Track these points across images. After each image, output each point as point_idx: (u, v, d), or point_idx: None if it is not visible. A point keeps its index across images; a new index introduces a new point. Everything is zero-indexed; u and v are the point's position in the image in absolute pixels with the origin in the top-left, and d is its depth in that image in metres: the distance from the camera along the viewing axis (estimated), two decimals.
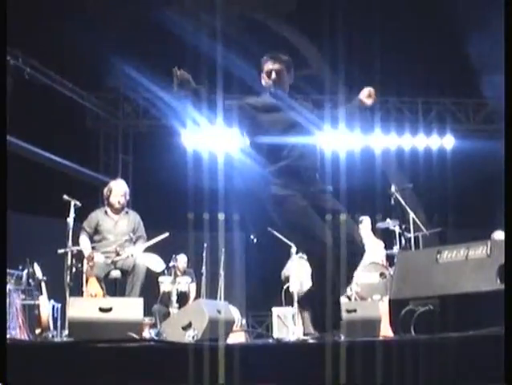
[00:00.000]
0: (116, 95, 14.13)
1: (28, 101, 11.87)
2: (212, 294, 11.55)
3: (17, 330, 9.27)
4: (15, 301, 9.56)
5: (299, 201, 5.21)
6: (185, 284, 10.87)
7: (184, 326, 7.11)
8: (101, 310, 6.69)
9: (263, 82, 5.70)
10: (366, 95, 5.82)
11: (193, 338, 6.96)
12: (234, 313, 9.79)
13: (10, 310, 9.45)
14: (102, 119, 14.35)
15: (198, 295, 11.51)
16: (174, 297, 9.98)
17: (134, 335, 6.38)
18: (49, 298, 9.23)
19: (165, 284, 10.51)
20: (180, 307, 10.15)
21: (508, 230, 3.66)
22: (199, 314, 7.13)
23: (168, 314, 9.93)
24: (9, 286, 9.58)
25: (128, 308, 6.78)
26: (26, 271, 9.86)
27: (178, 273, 11.01)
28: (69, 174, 12.86)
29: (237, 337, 9.64)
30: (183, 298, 10.70)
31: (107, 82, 13.53)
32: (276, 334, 10.59)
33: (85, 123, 14.07)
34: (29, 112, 11.86)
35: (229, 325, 7.74)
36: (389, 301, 5.99)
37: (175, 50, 12.11)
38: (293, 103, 5.65)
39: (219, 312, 7.49)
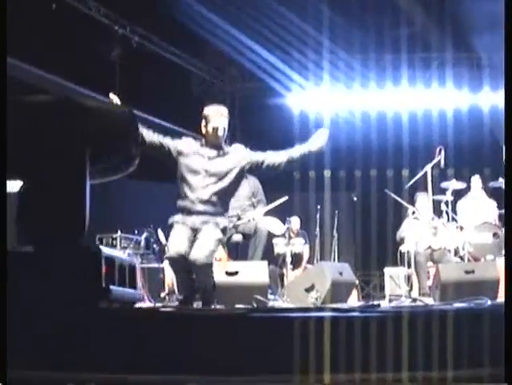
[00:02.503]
0: (221, 58, 14.20)
1: (136, 68, 12.09)
2: (326, 256, 11.67)
3: None
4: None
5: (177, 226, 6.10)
6: (299, 245, 10.96)
7: (307, 288, 7.23)
8: (227, 273, 6.87)
9: (204, 132, 6.20)
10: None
11: (316, 299, 7.08)
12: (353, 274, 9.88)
13: None
14: (207, 83, 14.50)
15: (312, 257, 11.62)
16: (288, 259, 10.08)
17: (260, 298, 6.54)
18: None
19: (279, 246, 10.59)
20: (294, 268, 10.30)
21: (508, 227, 3.61)
22: (322, 276, 7.24)
23: (282, 276, 10.08)
24: (128, 251, 9.88)
25: (254, 271, 6.95)
26: (144, 236, 10.14)
27: (292, 234, 11.08)
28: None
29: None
30: (297, 260, 10.82)
31: (211, 46, 13.60)
32: (388, 292, 10.67)
33: (191, 88, 14.22)
34: (137, 79, 12.08)
35: (350, 286, 7.85)
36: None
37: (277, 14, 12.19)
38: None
39: (341, 274, 7.59)
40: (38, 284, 3.14)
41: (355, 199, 12.59)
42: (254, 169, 6.18)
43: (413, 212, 9.56)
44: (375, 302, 6.12)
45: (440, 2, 12.71)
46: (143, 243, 10.12)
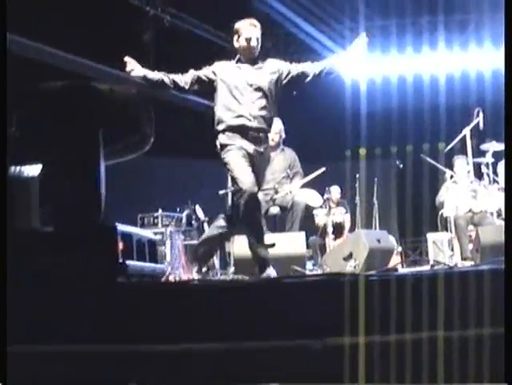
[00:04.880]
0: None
1: (171, 48, 12.12)
2: (367, 224, 11.65)
3: (180, 270, 9.66)
4: (177, 242, 9.95)
5: (235, 151, 5.83)
6: (340, 215, 10.95)
7: (345, 256, 7.25)
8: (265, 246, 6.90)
9: (238, 46, 6.09)
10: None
11: (355, 267, 7.10)
12: (392, 241, 9.86)
13: (173, 251, 9.84)
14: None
15: (353, 225, 11.61)
16: (330, 229, 10.11)
17: (298, 268, 6.58)
18: None
19: (320, 216, 10.62)
20: (335, 238, 10.33)
21: (508, 225, 3.58)
22: (359, 244, 7.24)
23: (324, 246, 10.11)
24: (170, 228, 9.99)
25: (291, 242, 6.97)
26: (185, 213, 10.23)
27: (332, 204, 11.08)
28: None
29: (394, 263, 9.73)
30: (338, 229, 10.84)
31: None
32: (431, 257, 10.62)
33: None
34: (173, 59, 12.11)
35: (388, 253, 7.83)
36: None
37: None
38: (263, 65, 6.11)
39: (378, 241, 7.58)
40: (60, 262, 3.24)
41: (400, 166, 12.53)
42: (294, 78, 6.05)
43: (451, 177, 9.52)
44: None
45: None
46: (184, 220, 10.22)
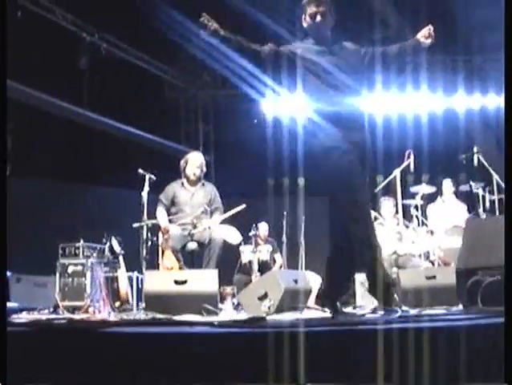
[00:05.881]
0: (195, 64, 14.05)
1: (105, 76, 11.99)
2: (293, 262, 11.47)
3: (100, 303, 9.41)
4: (98, 274, 9.67)
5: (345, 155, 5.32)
6: (266, 252, 10.81)
7: (260, 296, 7.09)
8: (176, 282, 6.73)
9: (306, 25, 5.63)
10: (425, 34, 5.51)
11: (269, 308, 6.95)
12: (316, 280, 9.70)
13: (93, 283, 9.57)
14: (181, 89, 14.40)
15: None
16: (255, 266, 9.99)
17: (209, 307, 6.41)
18: (131, 270, 9.32)
19: (246, 253, 10.50)
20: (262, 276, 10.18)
21: (508, 227, 3.52)
22: (274, 284, 7.09)
23: (249, 283, 9.96)
24: (91, 260, 9.72)
25: (203, 280, 6.81)
26: (108, 244, 9.98)
27: (260, 241, 11.00)
28: (149, 146, 12.96)
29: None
30: (264, 267, 10.66)
31: (184, 52, 13.48)
32: (359, 300, 10.52)
33: (164, 94, 14.13)
34: (106, 87, 11.98)
35: (306, 294, 7.69)
36: (456, 271, 5.81)
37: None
38: (338, 47, 5.66)
39: (295, 281, 7.44)
40: None
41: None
42: (377, 57, 5.69)
43: (375, 218, 9.45)
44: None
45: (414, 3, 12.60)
46: (107, 251, 9.96)
